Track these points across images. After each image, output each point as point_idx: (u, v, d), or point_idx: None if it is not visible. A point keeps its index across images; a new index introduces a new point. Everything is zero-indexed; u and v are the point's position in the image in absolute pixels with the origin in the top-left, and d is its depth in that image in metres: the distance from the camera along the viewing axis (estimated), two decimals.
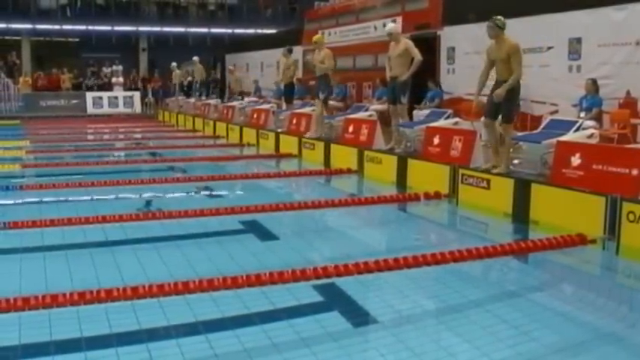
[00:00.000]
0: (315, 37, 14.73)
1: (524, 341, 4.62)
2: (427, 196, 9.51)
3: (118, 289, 5.13)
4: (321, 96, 14.08)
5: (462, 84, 14.51)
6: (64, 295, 4.99)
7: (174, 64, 27.31)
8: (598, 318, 5.35)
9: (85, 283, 5.42)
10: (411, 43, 11.53)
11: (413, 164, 10.71)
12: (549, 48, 12.11)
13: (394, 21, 16.04)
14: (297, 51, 23.56)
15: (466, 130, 11.00)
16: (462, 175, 9.51)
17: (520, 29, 12.67)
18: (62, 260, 6.47)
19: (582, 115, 10.55)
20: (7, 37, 33.73)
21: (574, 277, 6.78)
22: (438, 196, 9.54)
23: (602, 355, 4.55)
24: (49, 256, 6.66)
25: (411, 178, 10.64)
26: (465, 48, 14.50)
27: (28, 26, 32.69)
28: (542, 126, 10.33)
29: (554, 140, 9.01)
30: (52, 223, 7.63)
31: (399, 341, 4.65)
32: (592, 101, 10.50)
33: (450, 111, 12.47)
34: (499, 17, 9.02)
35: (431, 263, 6.07)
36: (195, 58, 24.87)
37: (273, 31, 32.31)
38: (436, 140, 10.69)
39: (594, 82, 10.66)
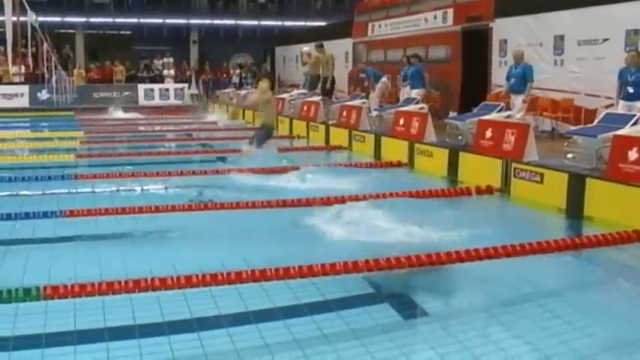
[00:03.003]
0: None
1: (578, 337, 4.56)
2: (479, 190, 9.41)
3: (172, 278, 5.19)
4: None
5: None
6: (120, 282, 5.08)
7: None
8: None
9: (138, 271, 5.50)
10: None
11: (464, 157, 10.62)
12: (605, 40, 11.86)
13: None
14: (347, 43, 23.57)
15: (519, 123, 10.83)
16: (515, 168, 9.39)
17: (574, 21, 12.50)
18: (116, 248, 6.59)
19: (630, 90, 10.22)
20: (62, 31, 34.35)
21: (630, 274, 6.61)
22: (489, 190, 9.44)
23: None
24: (102, 244, 6.79)
25: (463, 171, 10.55)
26: (518, 40, 14.29)
27: (82, 20, 33.38)
28: (597, 120, 10.11)
29: (610, 134, 8.80)
30: (107, 211, 7.78)
31: (448, 334, 4.64)
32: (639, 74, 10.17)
33: (502, 104, 12.29)
34: None
35: (483, 257, 6.02)
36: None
37: (322, 23, 32.33)
38: (488, 133, 10.56)
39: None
